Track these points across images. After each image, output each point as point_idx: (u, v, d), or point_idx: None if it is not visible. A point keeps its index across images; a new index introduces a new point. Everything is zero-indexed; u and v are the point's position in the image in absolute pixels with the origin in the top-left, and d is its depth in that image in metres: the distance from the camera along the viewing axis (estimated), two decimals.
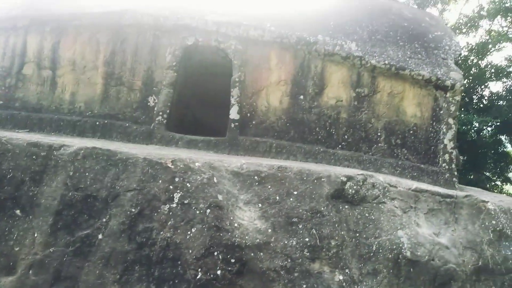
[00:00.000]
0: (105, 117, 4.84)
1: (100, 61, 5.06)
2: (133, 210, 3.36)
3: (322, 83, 4.89)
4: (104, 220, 3.34)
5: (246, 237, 3.35)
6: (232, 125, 4.75)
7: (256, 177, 3.77)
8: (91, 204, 3.40)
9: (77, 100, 4.94)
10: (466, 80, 12.43)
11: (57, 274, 3.15)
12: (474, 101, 12.49)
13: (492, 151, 11.21)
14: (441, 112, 4.84)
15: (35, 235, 3.31)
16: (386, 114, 4.88)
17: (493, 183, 12.28)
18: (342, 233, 3.64)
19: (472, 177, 10.85)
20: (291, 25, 4.95)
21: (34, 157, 3.61)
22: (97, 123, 4.77)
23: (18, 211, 3.43)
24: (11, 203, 3.46)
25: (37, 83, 5.01)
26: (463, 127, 10.14)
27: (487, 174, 12.02)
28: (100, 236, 3.27)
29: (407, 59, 4.97)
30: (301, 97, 4.88)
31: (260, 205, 3.63)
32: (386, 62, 4.82)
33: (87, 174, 3.53)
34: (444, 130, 4.79)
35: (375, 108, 4.89)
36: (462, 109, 12.16)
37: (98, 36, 5.12)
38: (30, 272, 3.17)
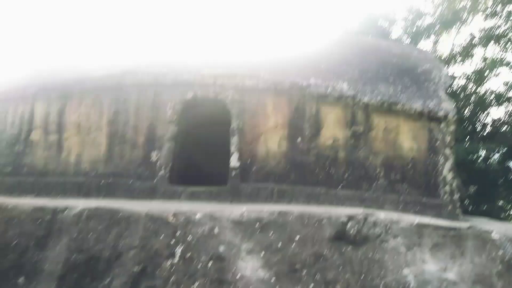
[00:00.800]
0: (109, 175, 4.98)
1: (104, 121, 5.28)
2: (136, 268, 3.39)
3: (318, 124, 5.00)
4: (106, 281, 3.36)
5: None
6: (233, 173, 4.83)
7: (257, 225, 3.79)
8: (94, 265, 3.45)
9: (82, 161, 5.11)
10: (467, 108, 12.45)
11: None
12: (478, 129, 12.39)
13: (502, 179, 10.93)
14: (437, 143, 4.86)
15: None
16: (384, 150, 4.91)
17: (507, 213, 11.86)
18: (347, 276, 3.58)
19: (485, 207, 10.52)
20: (285, 71, 5.15)
21: (39, 221, 3.72)
22: (102, 182, 4.90)
23: (21, 279, 3.48)
24: (15, 271, 3.52)
25: (44, 147, 5.23)
26: (469, 156, 9.98)
27: (500, 203, 11.65)
28: None
29: (399, 94, 5.07)
30: (299, 139, 4.97)
31: (262, 253, 3.62)
32: (378, 98, 4.93)
33: (90, 235, 3.60)
34: (442, 161, 4.79)
35: (372, 144, 4.93)
36: (467, 137, 12.07)
37: (102, 98, 5.37)
38: None
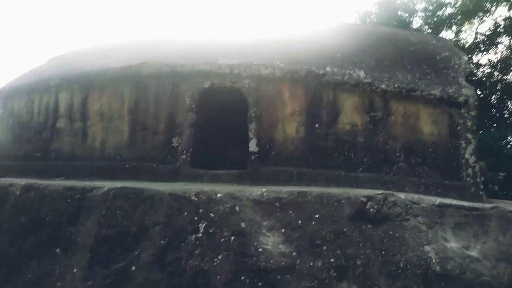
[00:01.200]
0: (133, 160, 5.27)
1: (126, 110, 5.57)
2: (162, 242, 3.63)
3: (335, 111, 5.17)
4: (136, 253, 3.62)
5: (272, 261, 3.53)
6: (252, 157, 5.05)
7: (277, 204, 3.99)
8: (123, 239, 3.71)
9: (106, 147, 5.42)
10: (494, 95, 12.46)
11: None
12: (505, 116, 12.43)
13: None
14: (458, 128, 4.97)
15: (75, 270, 3.63)
16: (403, 135, 5.05)
17: None
18: (367, 252, 3.75)
19: None
20: (301, 60, 5.34)
21: (69, 200, 4.01)
22: (126, 166, 5.19)
23: (58, 250, 3.78)
24: (52, 243, 3.83)
25: (69, 134, 5.56)
26: (497, 143, 10.08)
27: None
28: (133, 268, 3.54)
29: (417, 81, 5.20)
30: (317, 125, 5.16)
31: (283, 230, 3.82)
32: (396, 85, 5.07)
33: (118, 212, 3.87)
34: (464, 145, 4.90)
35: (391, 130, 5.08)
36: (495, 125, 12.11)
37: (122, 88, 5.67)
38: None
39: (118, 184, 4.23)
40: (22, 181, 4.41)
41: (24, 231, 3.97)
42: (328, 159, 5.04)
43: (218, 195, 3.93)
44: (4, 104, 5.96)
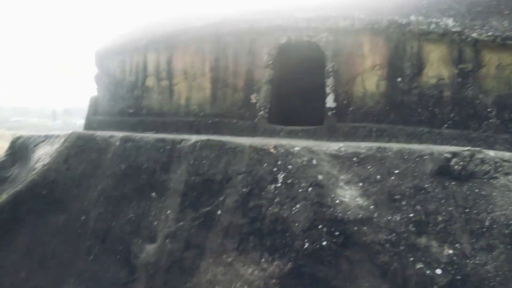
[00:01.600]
0: (215, 116, 5.61)
1: (207, 68, 5.87)
2: (244, 190, 3.93)
3: (420, 63, 4.92)
4: (221, 199, 3.98)
5: (348, 213, 3.65)
6: (329, 113, 5.08)
7: (355, 159, 4.04)
8: (209, 186, 4.08)
9: (191, 104, 5.82)
10: None
11: (187, 242, 3.87)
12: None
13: None
14: None
15: (168, 212, 4.12)
16: (496, 88, 4.67)
17: None
18: (450, 209, 3.67)
19: None
20: (381, 10, 5.09)
21: (161, 150, 4.47)
22: (209, 121, 5.56)
23: (153, 194, 4.29)
24: (148, 188, 4.35)
25: (158, 92, 6.04)
26: None
27: None
28: (219, 212, 3.91)
29: None
30: (399, 79, 4.97)
31: (360, 184, 3.89)
32: (489, 34, 4.64)
33: (204, 162, 4.23)
34: None
35: (482, 83, 4.72)
36: None
37: (203, 47, 5.94)
38: (167, 241, 3.96)
39: (203, 137, 4.59)
40: (120, 134, 4.98)
41: (125, 176, 4.55)
42: (410, 114, 4.88)
43: (296, 148, 4.09)
44: (100, 65, 6.60)
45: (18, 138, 6.78)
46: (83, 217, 4.59)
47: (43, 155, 5.73)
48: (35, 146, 6.24)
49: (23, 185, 5.11)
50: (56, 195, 4.85)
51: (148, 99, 6.11)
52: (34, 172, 5.33)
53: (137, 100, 6.16)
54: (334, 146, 4.24)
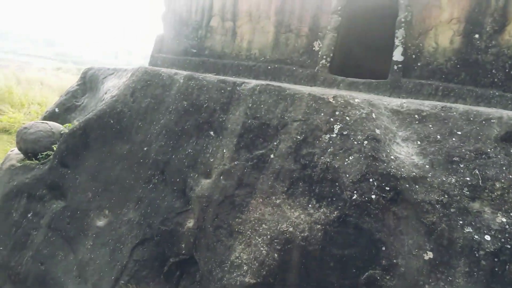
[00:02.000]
0: (275, 62, 5.62)
1: (272, 11, 5.79)
2: (298, 137, 4.03)
3: (503, 19, 4.52)
4: (275, 143, 4.12)
5: (402, 169, 3.65)
6: (395, 67, 4.90)
7: (416, 116, 3.95)
8: (265, 130, 4.22)
9: (252, 47, 5.85)
10: None
11: (240, 181, 4.11)
12: None
13: None
14: None
15: (224, 151, 4.35)
16: None
17: None
18: (511, 176, 3.55)
19: None
20: None
21: (222, 91, 4.62)
22: (269, 67, 5.59)
23: (212, 132, 4.53)
24: (207, 126, 4.59)
25: (221, 33, 6.11)
26: None
27: None
28: (271, 156, 4.08)
29: None
30: (476, 36, 4.63)
31: (418, 142, 3.83)
32: None
33: (262, 106, 4.34)
34: None
35: None
36: None
37: None
38: (221, 177, 4.23)
39: (263, 82, 4.67)
40: (184, 72, 5.19)
41: (186, 114, 4.80)
42: (483, 75, 4.59)
43: (356, 100, 4.06)
44: (168, 3, 6.72)
45: (89, 69, 7.26)
46: (145, 148, 4.96)
47: (111, 87, 6.15)
48: (104, 78, 6.68)
49: (93, 114, 5.55)
50: (122, 125, 5.24)
51: (211, 40, 6.21)
52: (103, 102, 5.75)
53: (200, 40, 6.28)
54: (396, 102, 4.17)
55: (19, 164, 5.94)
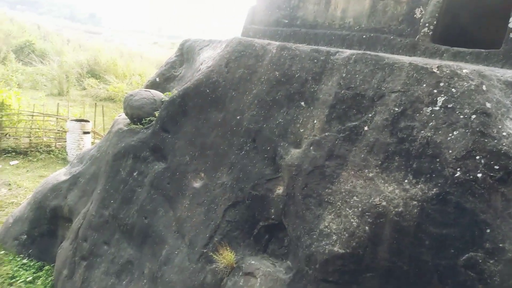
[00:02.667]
0: (371, 31, 5.29)
1: None
2: (396, 109, 3.78)
3: None
4: (369, 115, 3.92)
5: None
6: (511, 35, 4.31)
7: None
8: (359, 101, 4.04)
9: (347, 16, 5.56)
10: None
11: (331, 152, 4.03)
12: None
13: None
14: None
15: (315, 121, 4.27)
16: None
17: None
18: None
19: None
20: None
21: (315, 60, 4.50)
22: (364, 36, 5.28)
23: (303, 103, 4.46)
24: (298, 96, 4.53)
25: (314, 2, 5.89)
26: None
27: None
28: (365, 128, 3.90)
29: None
30: None
31: None
32: None
33: (357, 76, 4.14)
34: None
35: None
36: None
37: None
38: (311, 148, 4.18)
39: (359, 51, 4.43)
40: (276, 42, 5.14)
41: (278, 84, 4.78)
42: None
43: (464, 70, 3.66)
44: None
45: (186, 41, 7.57)
46: (238, 117, 5.08)
47: (206, 58, 6.34)
48: (200, 49, 6.91)
49: (190, 83, 5.80)
50: (216, 94, 5.42)
51: (303, 9, 6.03)
52: (199, 72, 5.97)
53: (292, 10, 6.14)
54: (511, 73, 3.69)
55: (126, 128, 6.50)
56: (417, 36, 4.89)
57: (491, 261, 3.04)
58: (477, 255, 3.09)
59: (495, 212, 3.15)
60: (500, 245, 3.04)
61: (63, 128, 14.17)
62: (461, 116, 3.48)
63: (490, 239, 3.09)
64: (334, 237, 3.69)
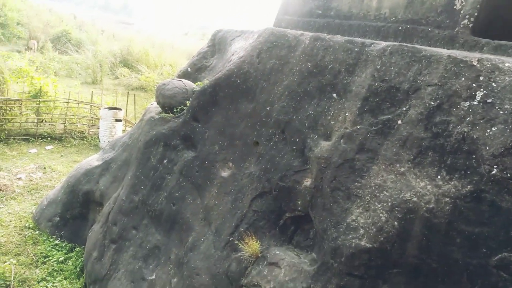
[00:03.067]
0: (408, 22, 5.17)
1: None
2: (432, 103, 3.71)
3: None
4: (404, 109, 3.87)
5: None
6: None
7: None
8: (393, 94, 3.98)
9: (382, 7, 5.46)
10: None
11: (361, 146, 4.00)
12: None
13: None
14: None
15: (346, 114, 4.25)
16: None
17: None
18: None
19: None
20: None
21: (349, 52, 4.46)
22: (400, 28, 5.18)
23: (334, 95, 4.45)
24: (330, 88, 4.51)
25: None
26: None
27: None
28: (399, 122, 3.85)
29: None
30: None
31: None
32: None
33: (392, 68, 4.08)
34: None
35: None
36: None
37: None
38: (341, 141, 4.17)
39: (395, 42, 4.36)
40: (309, 33, 5.12)
41: (310, 75, 4.78)
42: None
43: (506, 64, 3.54)
44: None
45: (218, 31, 7.66)
46: (268, 108, 5.11)
47: (238, 49, 6.41)
48: (232, 40, 6.98)
49: (222, 73, 5.88)
50: (247, 85, 5.47)
51: (337, 0, 5.97)
52: (231, 63, 6.04)
53: (326, 1, 6.08)
54: None
55: (158, 117, 6.69)
56: (456, 28, 4.75)
57: None
58: (511, 255, 3.02)
59: None
60: None
61: (96, 116, 14.69)
62: (501, 112, 3.37)
63: None
64: (362, 231, 3.68)
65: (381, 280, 3.53)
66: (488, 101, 3.46)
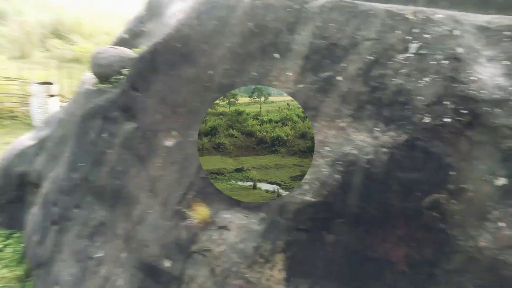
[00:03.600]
0: None
1: None
2: (369, 57, 3.95)
3: None
4: (343, 65, 4.09)
5: (483, 92, 3.48)
6: None
7: (507, 33, 3.66)
8: (333, 50, 4.18)
9: None
10: None
11: (304, 104, 4.21)
12: None
13: None
14: None
15: (288, 73, 4.41)
16: None
17: None
18: None
19: None
20: None
21: (289, 9, 4.58)
22: None
23: (277, 55, 4.58)
24: (272, 48, 4.64)
25: None
26: None
27: None
28: (339, 78, 4.07)
29: None
30: None
31: (507, 62, 3.59)
32: None
33: (331, 24, 4.26)
34: None
35: None
36: None
37: None
38: None
39: None
40: None
41: (251, 35, 4.86)
42: None
43: (437, 16, 3.83)
44: None
45: None
46: (211, 72, 5.16)
47: (176, 11, 6.32)
48: (169, 2, 6.86)
49: (160, 38, 5.80)
50: (188, 49, 5.45)
51: None
52: (169, 26, 5.97)
53: None
54: (484, 17, 3.87)
55: (94, 88, 6.52)
56: None
57: (454, 201, 3.34)
58: (441, 196, 3.38)
59: (460, 155, 3.42)
60: (462, 186, 3.33)
61: (27, 93, 13.97)
62: (433, 62, 3.67)
63: (454, 181, 3.37)
64: (307, 187, 3.93)
65: (325, 232, 3.83)
66: (422, 52, 3.75)
